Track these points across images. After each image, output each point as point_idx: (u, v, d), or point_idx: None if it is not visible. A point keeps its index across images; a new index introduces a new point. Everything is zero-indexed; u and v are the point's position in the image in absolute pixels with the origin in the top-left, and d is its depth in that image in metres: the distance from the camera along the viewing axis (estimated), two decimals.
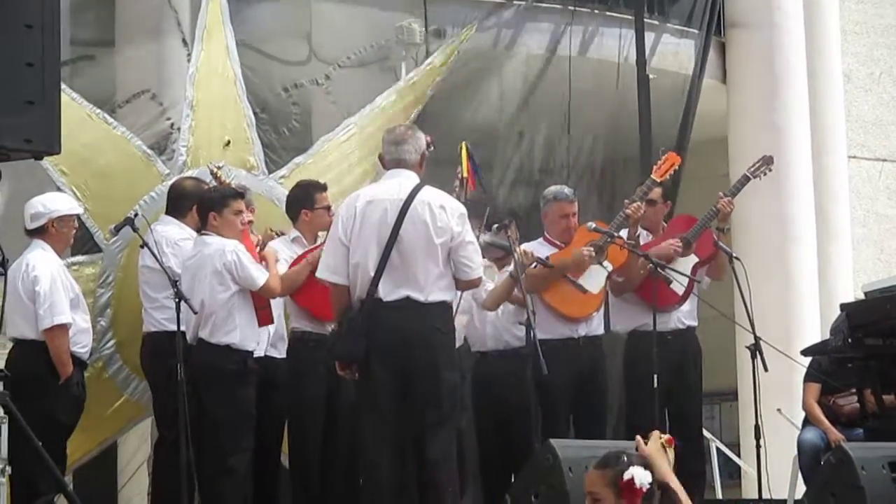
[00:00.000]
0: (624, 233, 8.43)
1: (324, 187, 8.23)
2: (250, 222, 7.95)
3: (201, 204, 7.73)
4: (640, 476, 4.48)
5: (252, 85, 9.38)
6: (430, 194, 6.91)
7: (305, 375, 7.79)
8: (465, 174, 8.66)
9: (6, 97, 5.40)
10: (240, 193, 7.84)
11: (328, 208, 8.12)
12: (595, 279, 8.32)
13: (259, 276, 7.57)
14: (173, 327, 7.55)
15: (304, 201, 8.16)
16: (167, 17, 10.16)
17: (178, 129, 8.94)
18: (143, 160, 8.69)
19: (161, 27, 10.21)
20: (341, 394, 7.64)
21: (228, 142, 8.72)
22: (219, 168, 8.19)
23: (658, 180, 8.53)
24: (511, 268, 7.96)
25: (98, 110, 8.59)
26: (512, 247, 7.85)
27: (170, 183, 8.40)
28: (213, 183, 8.16)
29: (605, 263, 8.31)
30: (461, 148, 8.59)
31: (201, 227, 7.72)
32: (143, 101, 10.35)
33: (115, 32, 10.52)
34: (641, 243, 8.49)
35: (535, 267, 8.10)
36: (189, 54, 9.30)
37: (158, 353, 7.78)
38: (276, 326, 7.93)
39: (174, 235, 7.84)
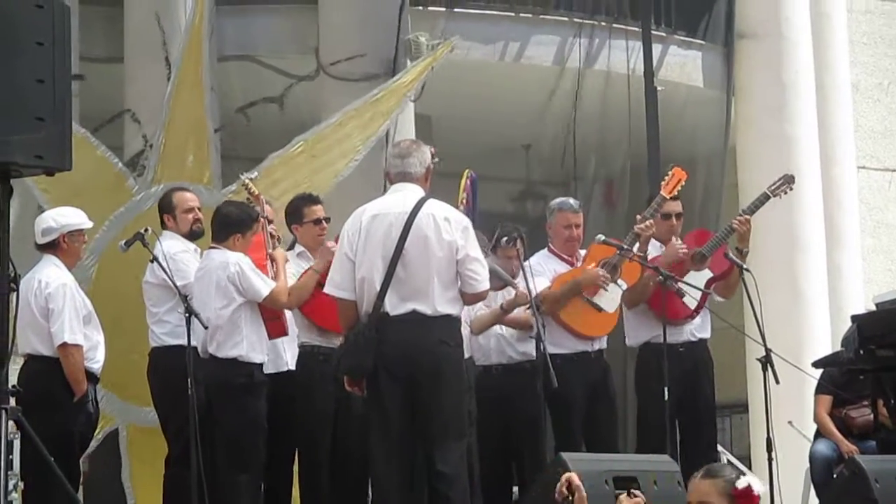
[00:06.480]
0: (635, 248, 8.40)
1: (315, 200, 8.16)
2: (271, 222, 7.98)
3: (231, 221, 7.67)
4: (756, 484, 4.55)
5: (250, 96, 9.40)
6: (435, 207, 6.88)
7: (315, 389, 7.77)
8: (459, 205, 8.61)
9: (17, 114, 5.42)
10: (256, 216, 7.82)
11: (318, 221, 8.07)
12: (611, 297, 8.30)
13: (263, 287, 7.56)
14: (173, 342, 7.61)
15: (293, 216, 8.13)
16: (155, 36, 10.27)
17: (151, 146, 9.25)
18: (118, 177, 9.02)
19: (148, 47, 10.33)
20: (351, 408, 7.62)
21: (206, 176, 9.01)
22: (251, 180, 8.13)
23: (667, 196, 8.51)
24: (502, 296, 8.02)
25: (82, 129, 8.75)
26: (513, 282, 7.92)
27: (137, 198, 8.83)
28: (245, 196, 8.13)
29: (620, 282, 8.29)
30: (462, 176, 8.55)
31: (218, 241, 7.67)
32: (125, 120, 10.53)
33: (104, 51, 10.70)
34: (652, 256, 8.46)
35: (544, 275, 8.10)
36: (169, 73, 9.45)
37: (158, 368, 7.80)
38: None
39: (171, 249, 7.77)
